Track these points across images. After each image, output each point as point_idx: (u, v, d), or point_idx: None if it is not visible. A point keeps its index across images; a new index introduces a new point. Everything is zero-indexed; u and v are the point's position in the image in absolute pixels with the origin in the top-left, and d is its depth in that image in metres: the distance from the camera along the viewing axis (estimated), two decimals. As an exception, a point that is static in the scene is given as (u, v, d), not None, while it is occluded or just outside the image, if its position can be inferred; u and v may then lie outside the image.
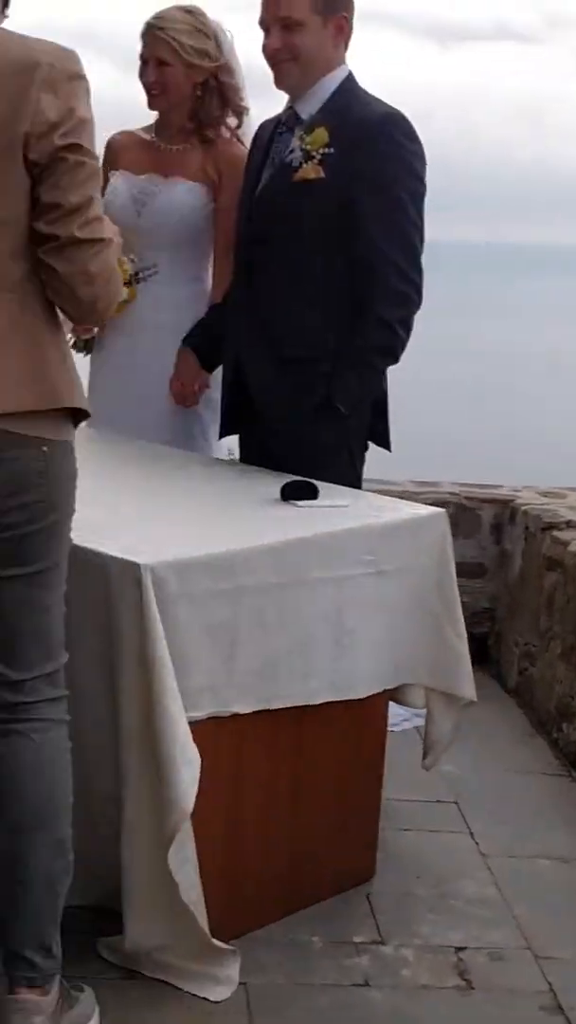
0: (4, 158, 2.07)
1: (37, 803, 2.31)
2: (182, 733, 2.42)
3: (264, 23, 3.19)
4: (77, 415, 2.27)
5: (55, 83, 2.08)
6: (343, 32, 3.18)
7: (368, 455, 3.47)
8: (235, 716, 2.63)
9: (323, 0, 3.13)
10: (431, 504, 4.52)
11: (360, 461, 3.38)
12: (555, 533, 4.09)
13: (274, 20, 3.15)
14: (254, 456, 3.43)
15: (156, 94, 3.54)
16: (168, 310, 3.58)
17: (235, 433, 3.51)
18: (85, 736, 2.47)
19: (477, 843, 3.26)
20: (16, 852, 2.31)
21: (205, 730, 2.54)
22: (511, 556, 4.49)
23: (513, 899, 3.00)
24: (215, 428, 3.54)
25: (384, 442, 3.43)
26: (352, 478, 3.30)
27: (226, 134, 3.63)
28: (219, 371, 3.50)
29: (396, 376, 3.40)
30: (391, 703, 3.11)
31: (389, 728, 3.19)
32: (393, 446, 3.47)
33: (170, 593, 2.43)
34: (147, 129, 3.70)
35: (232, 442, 3.62)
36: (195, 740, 2.46)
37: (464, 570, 4.55)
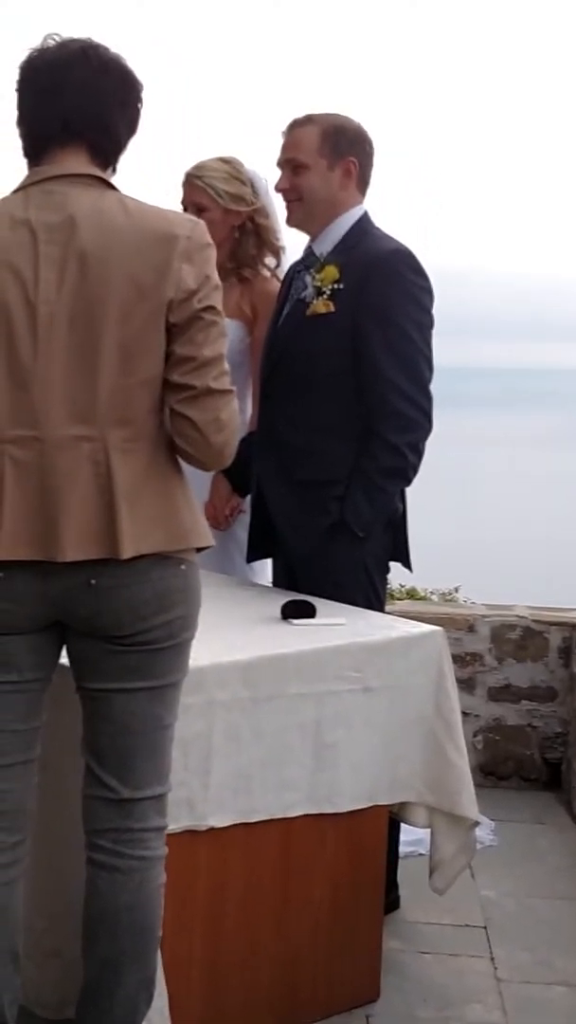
0: (150, 322, 2.24)
1: (130, 940, 2.35)
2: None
3: (279, 165, 3.37)
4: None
5: (191, 253, 2.26)
6: (351, 175, 3.31)
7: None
8: (215, 829, 2.66)
9: (330, 145, 3.29)
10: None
11: (381, 580, 3.42)
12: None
13: (284, 162, 3.33)
14: (282, 578, 3.53)
15: None
16: None
17: (265, 556, 3.61)
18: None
19: (496, 968, 3.21)
20: (104, 983, 2.36)
21: (182, 842, 2.58)
22: (579, 679, 4.42)
23: (516, 1025, 2.94)
24: None
25: (405, 560, 3.47)
26: (371, 597, 3.34)
27: (265, 273, 3.80)
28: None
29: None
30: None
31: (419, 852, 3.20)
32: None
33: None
34: None
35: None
36: (172, 851, 2.48)
37: (535, 694, 4.56)
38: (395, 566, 3.51)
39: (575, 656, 4.47)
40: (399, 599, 7.77)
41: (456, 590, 11.36)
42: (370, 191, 3.42)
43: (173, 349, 2.27)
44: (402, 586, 9.31)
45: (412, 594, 9.42)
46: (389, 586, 7.87)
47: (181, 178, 3.76)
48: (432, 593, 10.43)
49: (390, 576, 3.62)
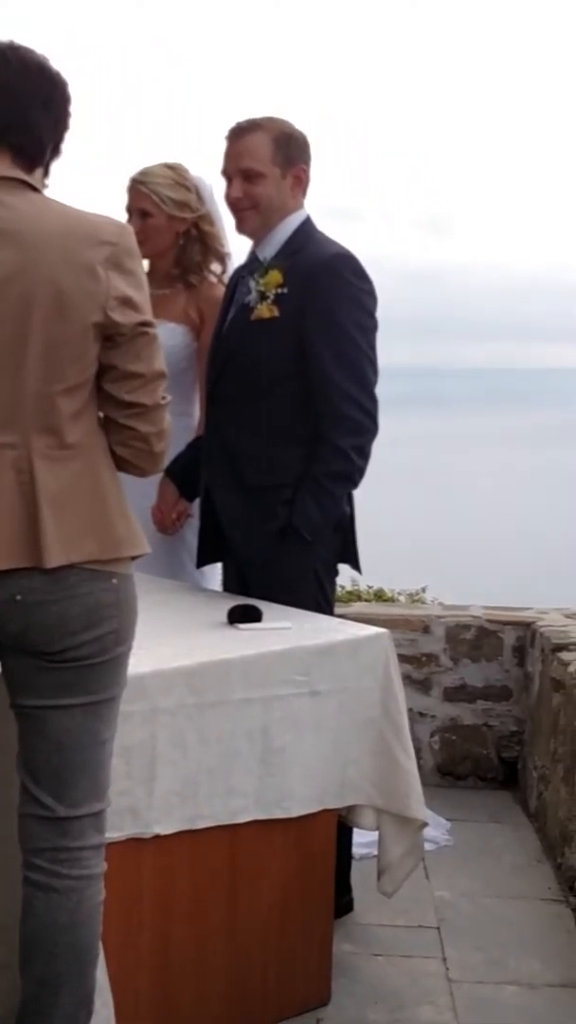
0: (76, 329, 2.20)
1: (68, 960, 2.31)
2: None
3: (227, 173, 3.35)
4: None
5: (120, 259, 2.23)
6: (301, 182, 3.32)
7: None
8: (160, 836, 2.65)
9: (282, 154, 3.29)
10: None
11: (330, 584, 3.42)
12: (561, 655, 4.04)
13: (236, 171, 3.31)
14: (233, 582, 3.52)
15: (140, 242, 3.71)
16: None
17: (215, 561, 3.60)
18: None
19: (447, 969, 3.21)
20: (41, 1002, 2.32)
21: (127, 850, 2.57)
22: (532, 678, 4.44)
23: (467, 1026, 2.94)
24: None
25: (354, 563, 3.47)
26: (321, 601, 3.34)
27: (211, 279, 3.79)
28: (200, 500, 3.60)
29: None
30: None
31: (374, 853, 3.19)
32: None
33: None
34: None
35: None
36: (116, 860, 2.47)
37: (490, 693, 4.58)
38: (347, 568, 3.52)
39: (528, 655, 4.49)
40: (367, 600, 7.77)
41: (423, 590, 11.33)
42: (373, 188, 3.42)
43: (114, 363, 2.25)
44: (370, 587, 9.29)
45: (380, 595, 9.42)
46: (357, 587, 7.89)
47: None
48: (400, 594, 10.41)
49: (358, 577, 3.62)
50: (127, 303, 2.23)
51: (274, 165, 3.29)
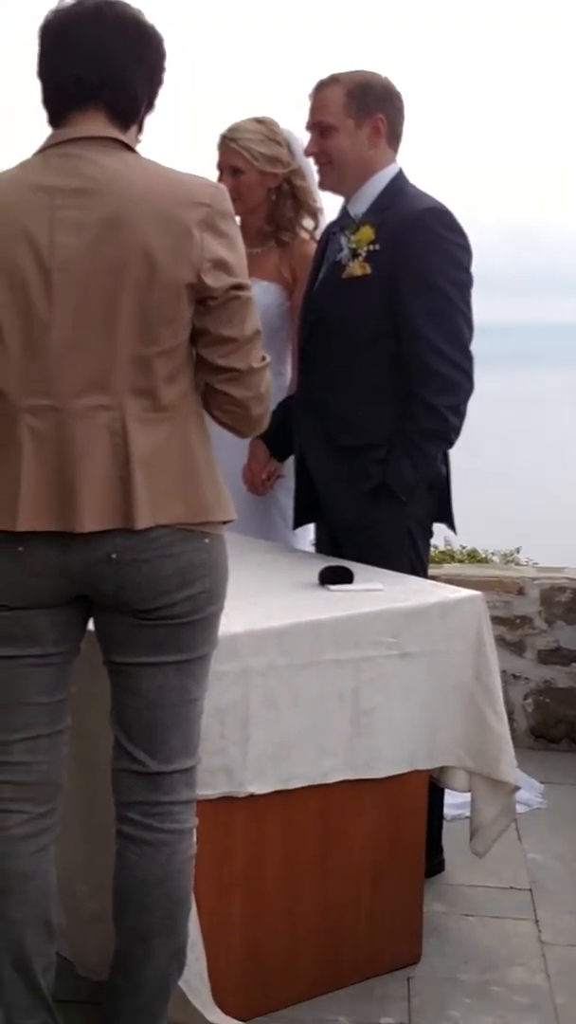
0: (171, 291, 2.20)
1: (160, 913, 2.36)
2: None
3: (307, 127, 3.34)
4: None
5: (214, 221, 2.23)
6: (380, 133, 3.26)
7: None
8: (253, 796, 2.68)
9: (356, 104, 3.24)
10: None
11: (424, 544, 3.40)
12: None
13: (312, 125, 3.30)
14: (326, 543, 3.52)
15: (232, 199, 3.71)
16: None
17: (310, 522, 3.60)
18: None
19: (540, 931, 3.21)
20: (134, 956, 2.37)
21: (218, 807, 2.61)
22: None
23: (559, 988, 2.94)
24: None
25: (449, 522, 3.45)
26: (415, 561, 3.33)
27: (304, 235, 3.78)
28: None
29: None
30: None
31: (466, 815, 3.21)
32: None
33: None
34: None
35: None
36: (210, 817, 2.52)
37: (589, 656, 4.53)
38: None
39: (628, 618, 4.45)
40: (460, 560, 7.75)
41: (517, 551, 11.27)
42: (435, 148, 3.39)
43: (207, 327, 2.25)
44: (463, 547, 9.27)
45: (473, 555, 9.38)
46: (450, 547, 7.85)
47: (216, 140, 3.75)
48: (494, 554, 10.37)
49: (452, 537, 3.60)
50: (221, 266, 2.23)
51: (347, 117, 3.24)
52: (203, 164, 3.75)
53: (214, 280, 2.22)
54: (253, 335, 2.30)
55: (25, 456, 2.22)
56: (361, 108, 3.24)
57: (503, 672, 3.55)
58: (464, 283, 3.23)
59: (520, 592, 4.53)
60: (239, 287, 2.26)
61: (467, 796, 3.23)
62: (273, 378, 3.75)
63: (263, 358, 2.33)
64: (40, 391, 2.22)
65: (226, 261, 2.24)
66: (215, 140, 3.76)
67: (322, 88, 3.28)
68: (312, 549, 3.69)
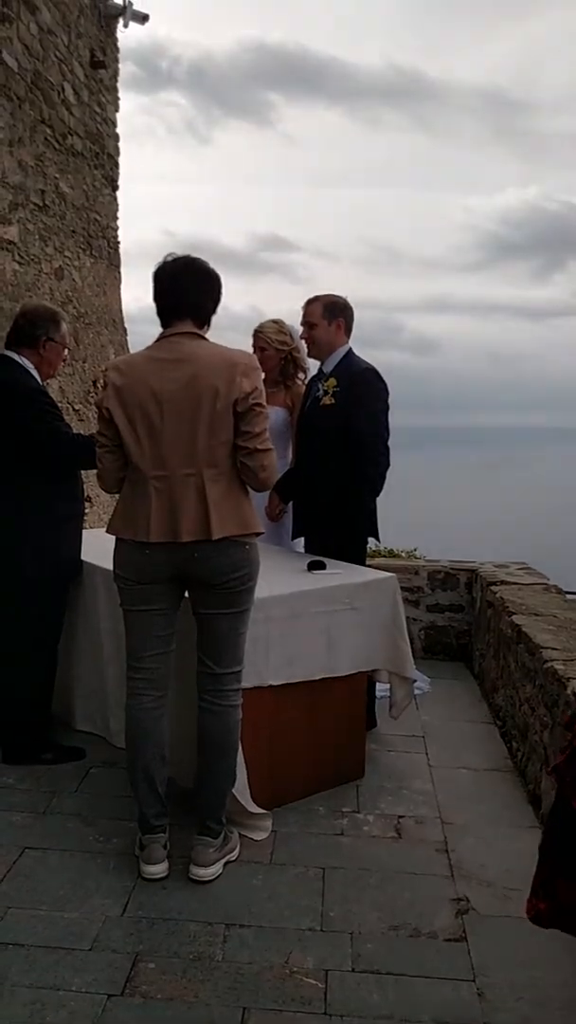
0: (225, 409, 2.22)
1: (221, 751, 2.36)
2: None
3: (302, 324, 3.39)
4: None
5: (248, 372, 2.25)
6: (341, 328, 3.31)
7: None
8: (272, 686, 2.69)
9: (328, 312, 3.29)
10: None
11: (363, 548, 3.43)
12: (492, 587, 4.03)
13: (303, 322, 3.34)
14: (316, 548, 3.54)
15: (260, 363, 3.75)
16: None
17: (300, 536, 3.63)
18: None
19: (429, 759, 3.20)
20: (208, 771, 2.36)
21: (254, 693, 2.61)
22: (476, 600, 4.43)
23: (439, 790, 2.94)
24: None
25: (375, 535, 3.47)
26: (360, 557, 3.36)
27: (299, 383, 3.83)
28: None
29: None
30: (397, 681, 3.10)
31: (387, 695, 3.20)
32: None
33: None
34: None
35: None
36: (250, 700, 2.51)
37: (452, 608, 4.53)
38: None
39: (475, 587, 4.47)
40: (383, 555, 7.76)
41: (415, 550, 11.22)
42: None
43: (239, 426, 2.26)
44: (385, 548, 9.24)
45: (391, 553, 9.36)
46: (377, 548, 7.83)
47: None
48: (402, 551, 10.34)
49: (377, 544, 3.58)
50: (248, 395, 2.24)
51: (323, 319, 3.29)
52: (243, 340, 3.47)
53: (243, 404, 2.24)
54: (262, 431, 2.27)
55: (153, 502, 2.25)
56: (331, 314, 3.29)
57: (408, 618, 3.56)
58: (384, 409, 3.26)
59: (416, 573, 4.54)
60: (258, 405, 2.26)
61: (387, 685, 3.28)
62: (281, 460, 3.82)
63: (268, 445, 2.29)
64: (159, 466, 2.25)
65: (251, 392, 2.25)
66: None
67: (309, 304, 3.32)
68: (302, 551, 3.73)
